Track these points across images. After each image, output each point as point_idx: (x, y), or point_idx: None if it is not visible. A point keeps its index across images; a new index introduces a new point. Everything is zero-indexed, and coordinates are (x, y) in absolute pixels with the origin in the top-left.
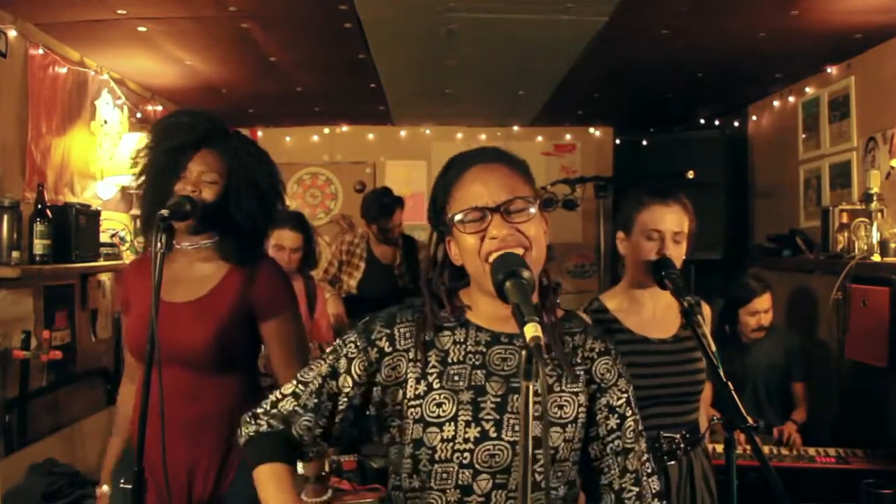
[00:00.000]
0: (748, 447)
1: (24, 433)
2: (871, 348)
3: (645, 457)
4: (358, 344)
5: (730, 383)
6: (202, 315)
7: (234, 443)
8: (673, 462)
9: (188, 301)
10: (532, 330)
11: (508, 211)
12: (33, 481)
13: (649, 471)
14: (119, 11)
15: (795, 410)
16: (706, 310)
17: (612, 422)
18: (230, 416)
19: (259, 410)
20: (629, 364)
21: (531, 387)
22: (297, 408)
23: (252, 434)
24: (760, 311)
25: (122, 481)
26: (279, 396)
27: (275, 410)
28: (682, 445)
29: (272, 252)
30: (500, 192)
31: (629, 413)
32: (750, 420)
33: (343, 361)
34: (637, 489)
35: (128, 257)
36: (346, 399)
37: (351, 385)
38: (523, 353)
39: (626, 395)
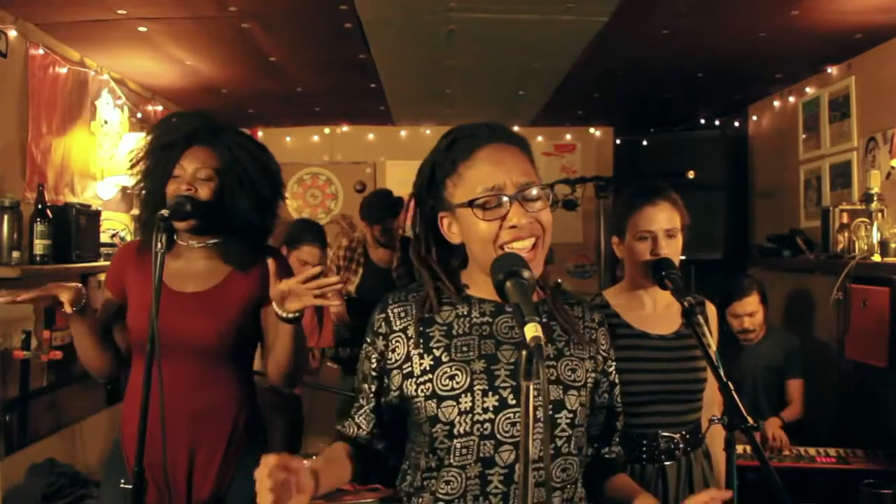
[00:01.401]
0: (748, 447)
1: (24, 433)
2: (872, 348)
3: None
4: (369, 341)
5: (730, 384)
6: (213, 305)
7: (237, 434)
8: (671, 462)
9: (198, 291)
10: (532, 330)
11: (526, 198)
12: (33, 481)
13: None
14: (119, 11)
15: (787, 408)
16: (711, 309)
17: (605, 386)
18: (231, 407)
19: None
20: (628, 359)
21: (531, 386)
22: (354, 421)
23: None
24: (742, 314)
25: (122, 481)
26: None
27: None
28: (681, 446)
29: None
30: (517, 177)
31: (616, 379)
32: (750, 420)
33: (365, 364)
34: (619, 449)
35: None
36: (374, 396)
37: (373, 381)
38: (524, 353)
39: (615, 363)
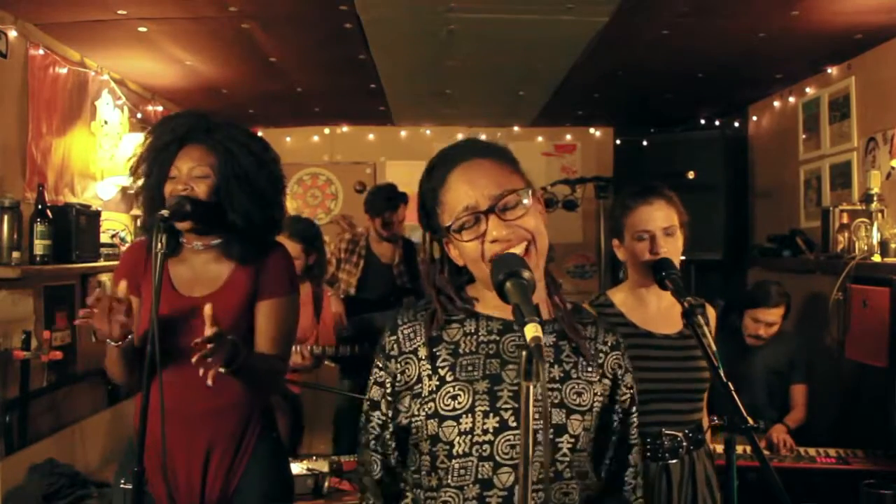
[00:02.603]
0: (748, 447)
1: (24, 433)
2: (872, 349)
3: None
4: (380, 364)
5: (730, 384)
6: (220, 308)
7: (249, 432)
8: (675, 460)
9: (206, 295)
10: (532, 330)
11: (503, 209)
12: (33, 481)
13: (640, 470)
14: (119, 12)
15: (790, 413)
16: (710, 313)
17: (617, 416)
18: (245, 405)
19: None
20: (632, 357)
21: (532, 388)
22: (368, 455)
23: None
24: (763, 321)
25: (122, 481)
26: (358, 451)
27: (361, 468)
28: (684, 444)
29: None
30: (490, 190)
31: (633, 409)
32: (750, 421)
33: (376, 389)
34: (635, 482)
35: None
36: (391, 422)
37: (388, 406)
38: (524, 353)
39: (631, 392)
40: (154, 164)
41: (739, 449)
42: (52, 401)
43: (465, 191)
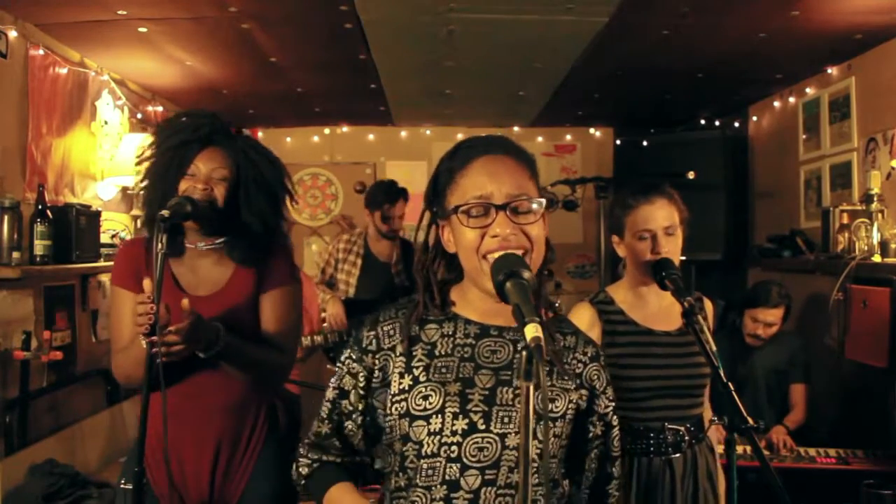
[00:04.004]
0: (748, 447)
1: (25, 433)
2: (872, 349)
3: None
4: (354, 357)
5: (730, 384)
6: (224, 307)
7: (256, 432)
8: (678, 455)
9: (210, 294)
10: (533, 330)
11: (515, 210)
12: (33, 482)
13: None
14: (119, 12)
15: (790, 414)
16: (708, 306)
17: (599, 429)
18: (251, 404)
19: (302, 450)
20: (634, 355)
21: (531, 387)
22: (325, 437)
23: (306, 472)
24: (761, 321)
25: (122, 481)
26: (312, 429)
27: (314, 442)
28: (686, 438)
29: None
30: (508, 188)
31: (615, 422)
32: (750, 421)
33: (347, 379)
34: (619, 494)
35: None
36: (360, 415)
37: (359, 399)
38: (524, 353)
39: (612, 404)
40: (172, 161)
41: (739, 449)
42: (52, 401)
43: (483, 180)
